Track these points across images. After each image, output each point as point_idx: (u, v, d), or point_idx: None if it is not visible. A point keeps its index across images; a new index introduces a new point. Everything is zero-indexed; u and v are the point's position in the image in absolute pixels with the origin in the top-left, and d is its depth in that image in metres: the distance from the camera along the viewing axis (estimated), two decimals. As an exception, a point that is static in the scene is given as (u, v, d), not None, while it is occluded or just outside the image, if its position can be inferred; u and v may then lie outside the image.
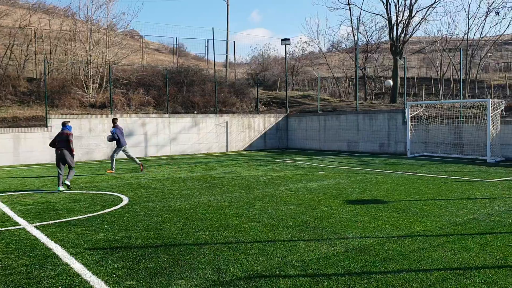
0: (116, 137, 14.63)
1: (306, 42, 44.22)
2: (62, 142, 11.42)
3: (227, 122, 24.73)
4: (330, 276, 4.62)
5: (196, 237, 6.24)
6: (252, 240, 6.03)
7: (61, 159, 11.29)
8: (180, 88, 27.13)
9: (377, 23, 39.51)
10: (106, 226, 6.98)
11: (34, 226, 7.07)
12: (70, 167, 11.45)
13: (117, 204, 8.88)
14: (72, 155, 11.39)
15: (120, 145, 14.76)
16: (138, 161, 15.10)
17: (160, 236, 6.33)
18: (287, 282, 4.48)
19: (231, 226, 6.87)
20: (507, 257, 5.15)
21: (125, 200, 9.34)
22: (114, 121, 15.10)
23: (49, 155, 19.06)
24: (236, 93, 29.22)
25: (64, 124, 11.92)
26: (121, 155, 21.02)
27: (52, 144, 11.53)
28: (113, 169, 14.81)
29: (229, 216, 7.57)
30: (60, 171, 11.12)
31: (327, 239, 6.02)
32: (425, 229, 6.50)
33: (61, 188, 11.04)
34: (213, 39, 31.16)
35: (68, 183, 11.13)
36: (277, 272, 4.77)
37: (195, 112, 25.61)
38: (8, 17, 25.91)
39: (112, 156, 14.95)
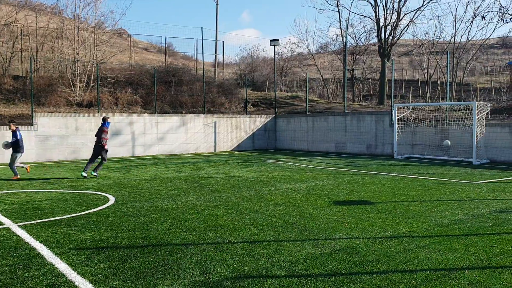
0: (20, 144, 12.81)
1: (295, 43, 44.39)
2: (97, 137, 13.35)
3: (215, 122, 24.68)
4: (317, 277, 4.63)
5: (183, 237, 6.21)
6: (240, 241, 6.02)
7: (93, 151, 13.38)
8: (168, 87, 27.02)
9: (366, 25, 40.21)
10: (92, 226, 6.91)
11: (19, 226, 6.97)
12: (90, 159, 13.41)
13: (104, 204, 8.80)
14: (104, 150, 13.19)
15: (20, 151, 12.92)
16: (17, 173, 12.89)
17: (146, 236, 6.29)
18: (274, 282, 4.48)
19: (219, 226, 6.85)
20: (491, 258, 5.22)
21: (112, 200, 9.27)
22: (12, 124, 12.99)
23: (35, 154, 18.84)
24: (225, 93, 29.18)
25: (104, 120, 13.56)
26: (111, 153, 20.85)
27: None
28: (17, 174, 12.89)
29: (216, 217, 7.55)
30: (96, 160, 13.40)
31: (314, 240, 6.03)
32: (411, 230, 6.56)
33: (95, 173, 13.21)
34: (202, 38, 31.13)
35: (84, 174, 12.89)
36: (264, 273, 4.77)
37: (183, 112, 25.51)
38: (-7, 13, 25.55)
39: (11, 167, 12.84)
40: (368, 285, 4.41)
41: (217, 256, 5.35)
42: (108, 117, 13.89)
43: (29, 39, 26.13)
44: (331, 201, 8.93)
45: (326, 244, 5.83)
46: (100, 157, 13.35)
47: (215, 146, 24.74)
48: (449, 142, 16.43)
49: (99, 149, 13.18)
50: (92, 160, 13.35)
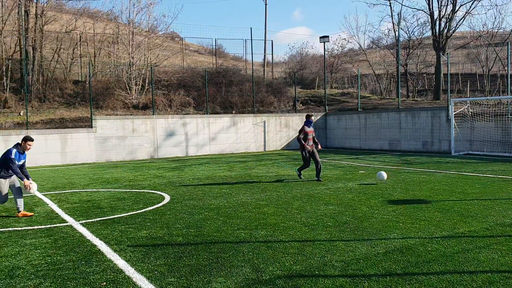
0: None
1: (345, 39, 43.56)
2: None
3: (264, 122, 24.77)
4: (371, 277, 4.55)
5: (235, 235, 6.29)
6: (291, 239, 6.02)
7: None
8: (219, 88, 27.44)
9: (419, 18, 38.88)
10: (148, 224, 7.15)
11: (80, 224, 7.33)
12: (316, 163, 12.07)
13: (159, 202, 9.08)
14: (306, 151, 11.92)
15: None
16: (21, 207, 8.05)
17: (200, 234, 6.42)
18: (326, 282, 4.45)
19: (270, 225, 6.88)
20: (560, 260, 4.91)
21: (167, 198, 9.54)
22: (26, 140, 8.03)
23: (95, 155, 19.72)
24: (274, 92, 29.23)
25: (306, 118, 12.06)
26: (166, 153, 21.44)
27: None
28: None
29: (267, 215, 7.59)
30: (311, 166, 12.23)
31: (367, 240, 5.92)
32: (470, 230, 6.29)
33: (317, 178, 11.90)
34: (251, 39, 31.33)
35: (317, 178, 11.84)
36: (317, 272, 4.74)
37: (234, 112, 25.81)
38: (55, 22, 27.01)
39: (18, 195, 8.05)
40: (424, 286, 4.28)
41: (269, 254, 5.38)
42: (312, 115, 12.17)
43: (87, 45, 27.42)
44: (385, 200, 8.73)
45: (380, 244, 5.71)
46: (313, 160, 11.99)
47: (264, 145, 24.84)
48: (385, 176, 11.01)
49: (303, 153, 11.93)
50: (303, 166, 12.21)
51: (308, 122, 11.92)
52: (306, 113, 11.83)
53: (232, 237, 6.20)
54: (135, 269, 4.98)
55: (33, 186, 7.88)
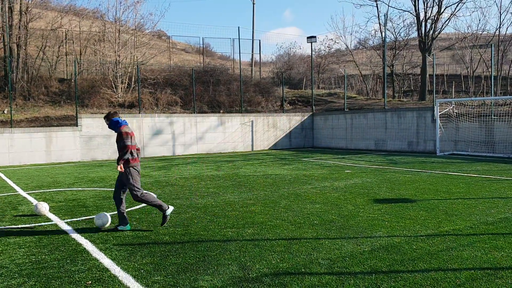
0: None
1: (332, 39, 43.74)
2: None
3: (252, 121, 24.78)
4: (357, 275, 4.59)
5: (222, 234, 6.28)
6: (278, 238, 6.04)
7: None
8: (207, 87, 27.36)
9: (405, 19, 39.14)
10: (134, 223, 7.10)
11: (66, 222, 7.26)
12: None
13: (145, 202, 9.00)
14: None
15: None
16: None
17: (187, 233, 6.40)
18: (312, 279, 4.47)
19: (257, 223, 6.89)
20: (541, 258, 5.00)
21: (153, 198, 9.47)
22: None
23: (80, 154, 19.52)
24: (262, 92, 29.26)
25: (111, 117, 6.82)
26: (152, 152, 21.30)
27: None
28: None
29: (254, 214, 7.60)
30: None
31: (353, 238, 5.97)
32: (455, 228, 6.38)
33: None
34: (239, 38, 31.28)
35: None
36: (303, 270, 4.76)
37: (221, 111, 25.76)
38: (40, 19, 26.67)
39: None
40: (409, 283, 4.33)
41: (256, 252, 5.39)
42: (109, 114, 6.80)
43: (73, 43, 27.13)
44: (371, 199, 8.80)
45: (366, 242, 5.76)
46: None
47: (252, 145, 24.85)
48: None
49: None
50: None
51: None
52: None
53: (219, 236, 6.20)
54: (121, 268, 4.94)
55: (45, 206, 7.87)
